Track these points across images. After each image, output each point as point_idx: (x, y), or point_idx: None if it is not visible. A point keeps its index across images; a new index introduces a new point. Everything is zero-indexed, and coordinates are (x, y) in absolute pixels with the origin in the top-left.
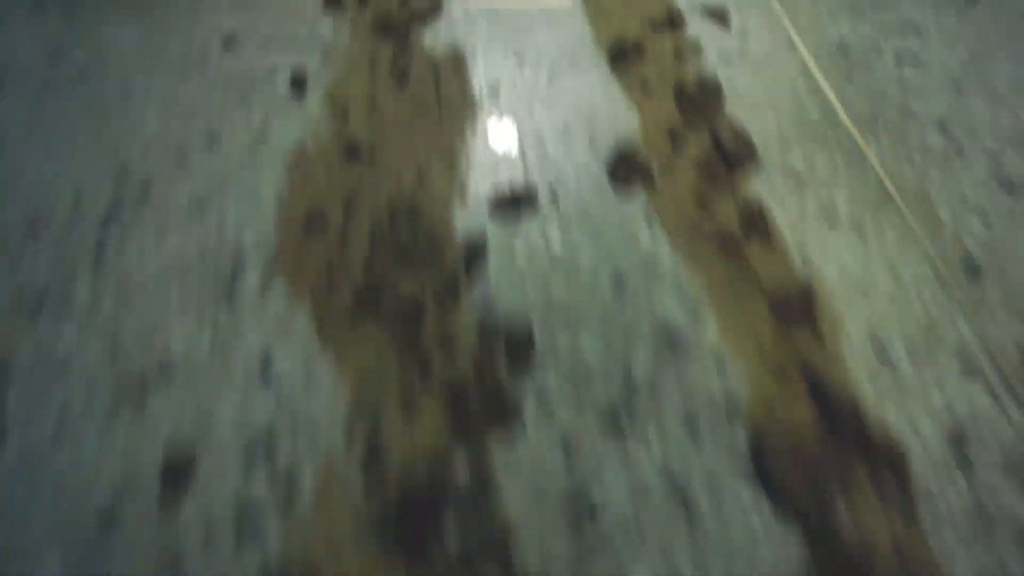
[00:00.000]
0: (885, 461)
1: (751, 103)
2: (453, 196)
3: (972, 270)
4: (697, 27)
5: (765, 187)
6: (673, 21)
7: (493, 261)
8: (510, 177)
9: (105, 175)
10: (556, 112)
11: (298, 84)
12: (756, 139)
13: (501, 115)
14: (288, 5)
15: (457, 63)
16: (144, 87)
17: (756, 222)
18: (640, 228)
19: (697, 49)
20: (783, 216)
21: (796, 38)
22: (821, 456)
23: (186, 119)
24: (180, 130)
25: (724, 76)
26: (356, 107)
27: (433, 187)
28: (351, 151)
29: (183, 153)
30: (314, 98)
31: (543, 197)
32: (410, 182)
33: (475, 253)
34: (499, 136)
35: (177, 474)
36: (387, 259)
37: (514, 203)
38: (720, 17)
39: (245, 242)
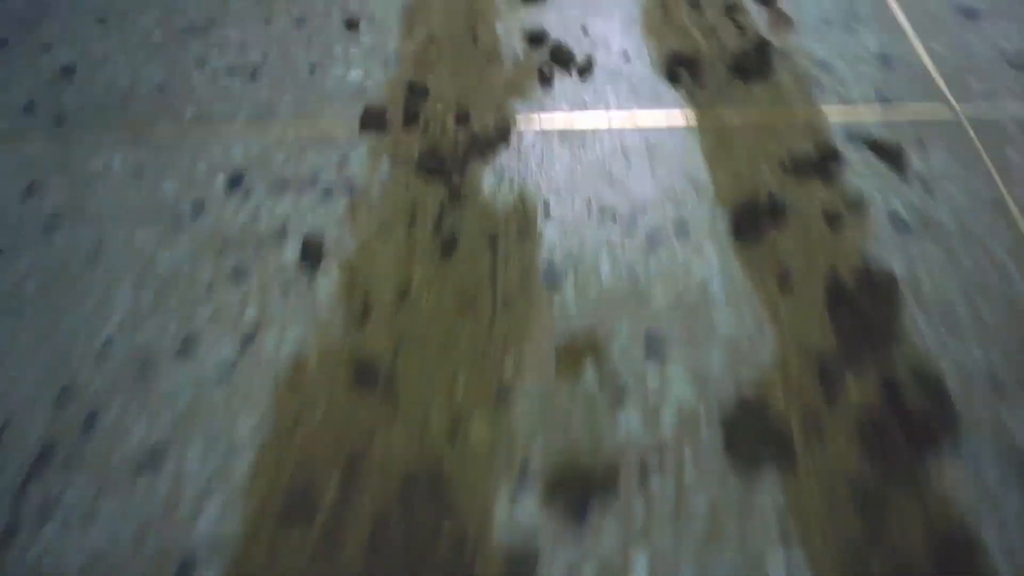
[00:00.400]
0: None
1: (943, 312)
2: (496, 465)
3: None
4: (860, 171)
5: (971, 481)
6: (825, 162)
7: None
8: (582, 438)
9: (43, 401)
10: (652, 316)
11: (311, 253)
12: (953, 385)
13: (577, 319)
14: (316, 125)
15: (523, 224)
16: (121, 247)
17: (961, 551)
18: (771, 550)
19: (860, 211)
20: (1001, 542)
21: (1007, 192)
22: None
23: (161, 304)
24: (150, 323)
25: (901, 259)
26: (380, 295)
27: (470, 446)
28: (364, 373)
29: (147, 363)
30: (329, 275)
31: (627, 474)
32: (439, 435)
33: None
34: (571, 359)
35: None
36: None
37: (584, 487)
38: (893, 156)
39: (199, 527)
